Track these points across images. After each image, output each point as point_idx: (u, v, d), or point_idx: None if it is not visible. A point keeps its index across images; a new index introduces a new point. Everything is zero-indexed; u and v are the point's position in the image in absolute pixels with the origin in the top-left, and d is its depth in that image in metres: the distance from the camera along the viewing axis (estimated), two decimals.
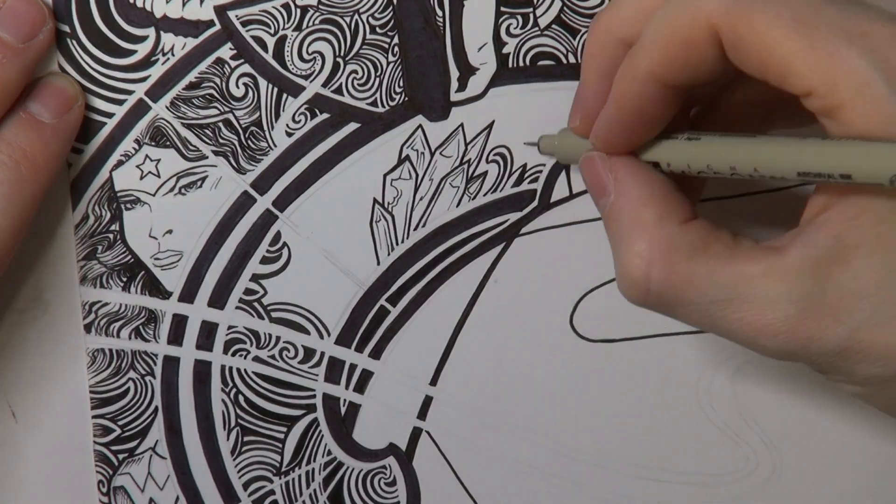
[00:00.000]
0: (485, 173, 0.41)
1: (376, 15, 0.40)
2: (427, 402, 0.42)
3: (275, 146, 0.40)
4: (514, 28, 0.40)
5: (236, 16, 0.39)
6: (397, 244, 0.41)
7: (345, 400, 0.41)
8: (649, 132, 0.34)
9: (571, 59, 0.40)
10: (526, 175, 0.41)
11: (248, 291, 0.41)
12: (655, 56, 0.31)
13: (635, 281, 0.32)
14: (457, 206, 0.41)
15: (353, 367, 0.41)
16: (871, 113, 0.28)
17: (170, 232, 0.40)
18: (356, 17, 0.39)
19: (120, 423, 0.41)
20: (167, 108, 0.39)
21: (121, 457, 0.41)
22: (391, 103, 0.40)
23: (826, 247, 0.30)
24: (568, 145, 0.37)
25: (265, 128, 0.40)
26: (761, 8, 0.29)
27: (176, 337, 0.41)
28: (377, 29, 0.40)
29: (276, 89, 0.40)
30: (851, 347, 0.30)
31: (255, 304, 0.41)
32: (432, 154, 0.40)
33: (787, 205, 0.41)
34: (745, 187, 0.41)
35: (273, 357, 0.41)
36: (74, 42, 0.39)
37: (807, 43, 0.29)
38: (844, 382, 0.32)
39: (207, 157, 0.40)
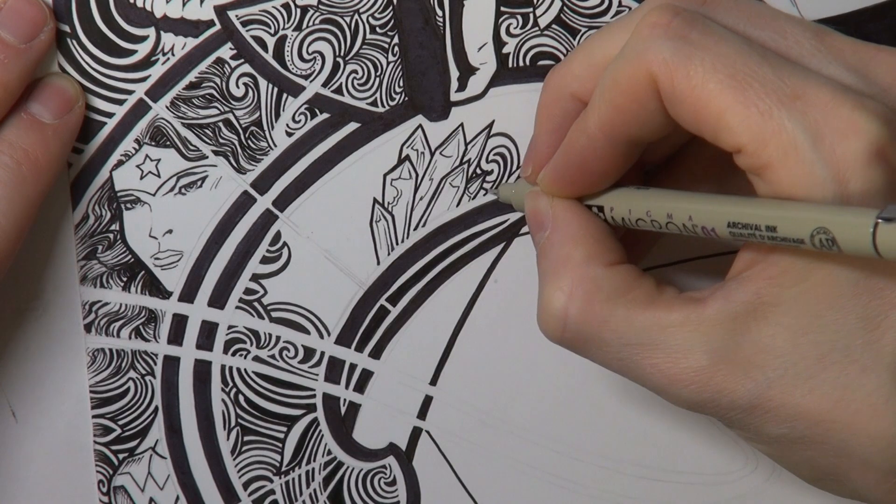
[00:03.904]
0: (485, 173, 0.41)
1: (376, 15, 0.40)
2: (427, 401, 0.42)
3: (275, 146, 0.40)
4: (514, 28, 0.40)
5: (236, 16, 0.39)
6: (397, 244, 0.41)
7: (345, 400, 0.41)
8: (594, 186, 0.34)
9: None
10: None
11: (248, 291, 0.41)
12: (603, 108, 0.32)
13: (553, 315, 0.33)
14: (457, 205, 0.41)
15: (353, 366, 0.41)
16: (796, 175, 0.29)
17: (170, 232, 0.40)
18: (356, 16, 0.40)
19: (120, 422, 0.41)
20: (167, 107, 0.39)
21: (121, 456, 0.41)
22: (391, 103, 0.40)
23: (745, 302, 0.30)
24: (522, 193, 0.37)
25: (265, 128, 0.40)
26: (698, 61, 0.29)
27: (176, 337, 0.41)
28: (377, 29, 0.40)
29: (276, 89, 0.40)
30: (760, 405, 0.30)
31: (256, 304, 0.41)
32: (432, 154, 0.40)
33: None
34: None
35: (273, 357, 0.41)
36: (75, 42, 0.39)
37: (740, 99, 0.29)
38: (753, 441, 0.32)
39: (207, 157, 0.40)
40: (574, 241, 0.34)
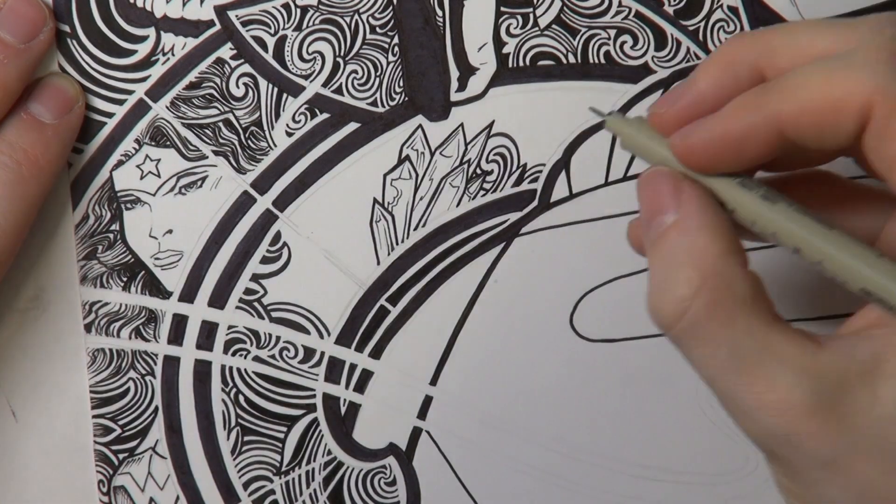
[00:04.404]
0: (485, 173, 0.41)
1: (376, 15, 0.40)
2: (427, 401, 0.42)
3: (275, 146, 0.40)
4: (514, 28, 0.40)
5: (236, 16, 0.39)
6: (397, 244, 0.41)
7: (345, 400, 0.41)
8: (734, 165, 0.31)
9: (571, 59, 0.40)
10: (526, 175, 0.41)
11: (248, 291, 0.41)
12: (797, 102, 0.30)
13: (673, 304, 0.30)
14: (457, 205, 0.41)
15: (353, 366, 0.41)
16: None
17: (170, 232, 0.40)
18: (356, 17, 0.40)
19: (120, 422, 0.41)
20: (167, 107, 0.39)
21: (121, 456, 0.41)
22: (391, 103, 0.40)
23: (861, 361, 0.29)
24: (640, 133, 0.33)
25: (265, 128, 0.40)
26: None
27: (176, 337, 0.41)
28: (377, 29, 0.40)
29: (276, 89, 0.40)
30: (840, 466, 0.29)
31: (256, 304, 0.41)
32: (432, 154, 0.40)
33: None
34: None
35: (273, 357, 0.41)
36: (75, 42, 0.39)
37: None
38: (790, 482, 0.31)
39: (207, 157, 0.40)
40: (710, 233, 0.31)
